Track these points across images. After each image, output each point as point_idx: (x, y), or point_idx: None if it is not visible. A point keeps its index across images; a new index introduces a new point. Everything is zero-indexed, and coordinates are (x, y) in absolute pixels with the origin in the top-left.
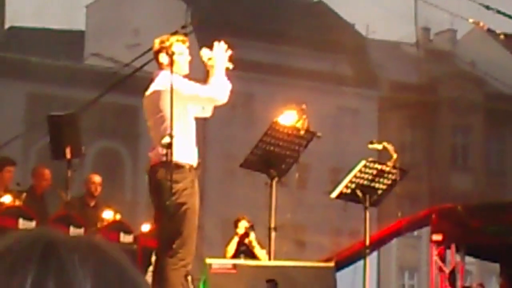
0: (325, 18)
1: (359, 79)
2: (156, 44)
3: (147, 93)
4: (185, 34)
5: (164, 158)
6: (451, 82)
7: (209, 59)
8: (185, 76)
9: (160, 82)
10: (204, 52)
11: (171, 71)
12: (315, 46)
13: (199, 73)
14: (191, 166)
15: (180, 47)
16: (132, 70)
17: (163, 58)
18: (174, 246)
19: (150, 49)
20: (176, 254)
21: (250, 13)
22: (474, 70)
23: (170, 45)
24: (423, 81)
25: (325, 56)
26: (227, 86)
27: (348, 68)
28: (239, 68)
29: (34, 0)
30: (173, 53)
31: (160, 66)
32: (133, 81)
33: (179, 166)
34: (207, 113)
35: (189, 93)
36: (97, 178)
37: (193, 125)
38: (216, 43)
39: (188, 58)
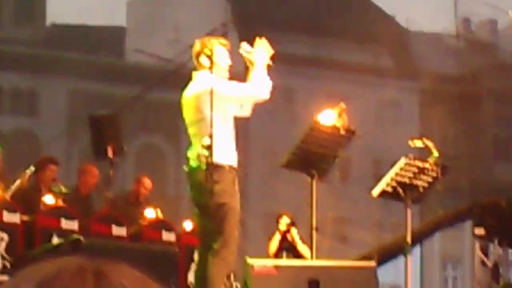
0: (365, 11)
1: (400, 71)
2: (197, 45)
3: (186, 93)
4: (224, 34)
5: (204, 159)
6: (493, 73)
7: (249, 53)
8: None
9: (200, 83)
10: (245, 47)
11: (211, 73)
12: (356, 39)
13: (239, 67)
14: (231, 167)
15: (221, 50)
16: (173, 66)
17: (204, 60)
18: (216, 246)
19: (192, 45)
20: (218, 254)
21: (290, 7)
22: None
23: (212, 48)
24: (465, 73)
25: (366, 48)
26: (268, 82)
27: (390, 61)
28: (280, 62)
29: None
30: (212, 55)
31: (200, 68)
32: (174, 76)
33: (219, 167)
34: (246, 112)
35: (230, 93)
36: (149, 184)
37: (232, 125)
38: (258, 39)
39: (229, 62)
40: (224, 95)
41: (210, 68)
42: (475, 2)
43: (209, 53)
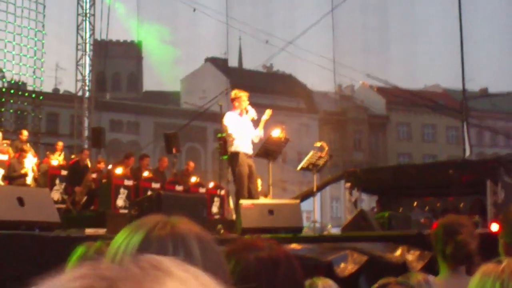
0: (291, 82)
1: (308, 109)
2: (232, 94)
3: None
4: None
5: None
6: (353, 110)
7: (252, 118)
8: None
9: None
10: (251, 112)
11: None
12: (287, 94)
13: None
14: (244, 154)
15: (244, 97)
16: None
17: (235, 103)
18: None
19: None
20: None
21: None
22: None
23: (240, 97)
24: (337, 110)
25: (292, 99)
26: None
27: (303, 104)
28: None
29: None
30: (241, 101)
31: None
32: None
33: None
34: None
35: (227, 124)
36: (191, 164)
37: (245, 130)
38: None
39: (248, 103)
40: (228, 125)
41: (235, 108)
42: (348, 71)
43: (237, 99)
